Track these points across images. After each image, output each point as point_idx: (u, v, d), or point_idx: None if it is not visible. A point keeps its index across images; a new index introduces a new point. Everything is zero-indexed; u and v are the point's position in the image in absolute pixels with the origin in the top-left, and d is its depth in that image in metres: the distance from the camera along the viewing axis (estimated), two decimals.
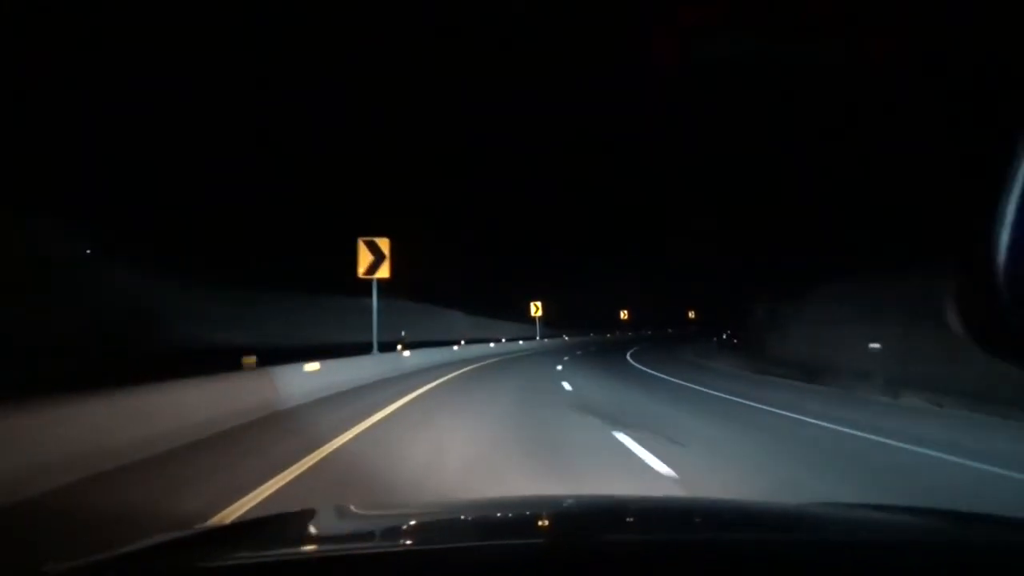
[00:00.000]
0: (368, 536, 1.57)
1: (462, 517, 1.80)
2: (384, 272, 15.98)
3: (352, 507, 1.93)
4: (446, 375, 16.02)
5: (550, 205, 66.08)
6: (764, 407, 9.73)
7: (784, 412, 9.21)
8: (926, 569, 1.08)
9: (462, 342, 21.71)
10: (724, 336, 54.67)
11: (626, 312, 60.53)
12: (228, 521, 3.50)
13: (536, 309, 35.53)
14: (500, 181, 56.23)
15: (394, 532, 1.56)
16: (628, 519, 1.73)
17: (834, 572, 1.08)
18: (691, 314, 77.93)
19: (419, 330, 40.43)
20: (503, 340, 29.62)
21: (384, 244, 15.82)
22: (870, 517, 1.67)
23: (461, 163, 54.13)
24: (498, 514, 1.84)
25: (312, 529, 1.54)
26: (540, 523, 1.64)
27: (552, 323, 45.43)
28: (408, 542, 1.45)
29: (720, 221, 42.01)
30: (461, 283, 47.26)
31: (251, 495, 4.33)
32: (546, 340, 37.99)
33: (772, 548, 1.22)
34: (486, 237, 52.76)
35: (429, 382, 13.58)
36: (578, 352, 28.08)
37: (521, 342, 32.39)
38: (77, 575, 1.08)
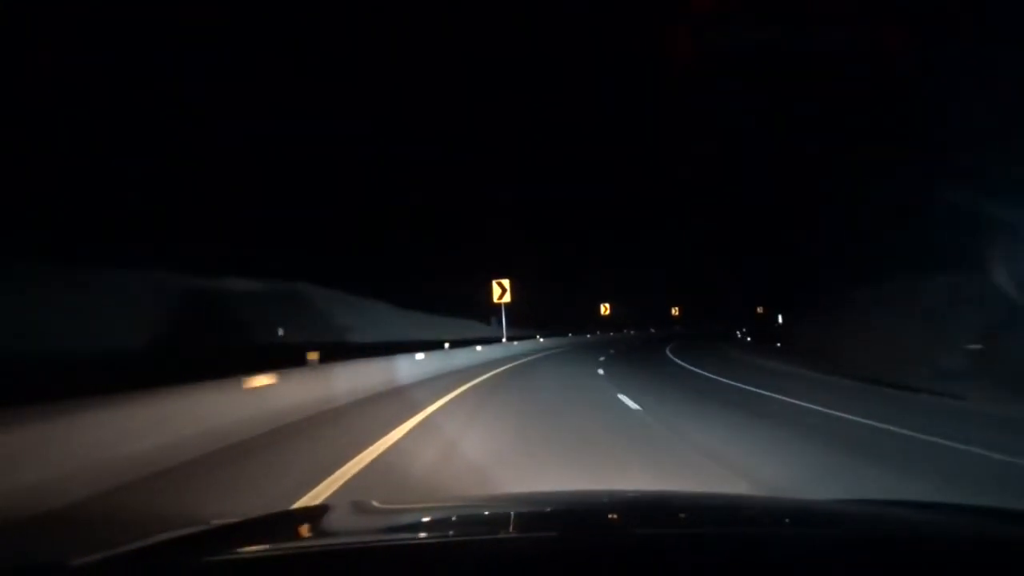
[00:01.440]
0: (384, 529, 1.50)
1: (480, 512, 1.77)
2: None
3: (374, 502, 1.81)
4: None
5: (518, 182, 53.68)
6: None
7: None
8: (956, 566, 1.04)
9: (313, 356, 8.21)
10: (740, 334, 46.45)
11: (607, 306, 48.03)
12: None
13: (501, 292, 22.06)
14: (465, 153, 43.91)
15: (410, 526, 1.53)
16: (650, 513, 1.63)
17: (860, 568, 1.03)
18: (675, 311, 67.61)
19: (321, 328, 27.21)
20: (445, 347, 16.10)
21: None
22: (901, 514, 1.60)
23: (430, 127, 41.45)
24: (516, 509, 1.77)
25: (328, 523, 1.50)
26: (558, 517, 1.56)
27: (517, 321, 32.79)
28: (423, 535, 1.41)
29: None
30: (393, 268, 35.14)
31: None
32: (516, 343, 24.67)
33: (792, 542, 1.18)
34: (429, 214, 40.15)
35: None
36: (600, 371, 15.12)
37: (479, 347, 18.90)
38: (100, 569, 1.06)
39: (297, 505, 3.73)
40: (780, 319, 58.95)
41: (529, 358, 21.58)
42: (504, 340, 23.26)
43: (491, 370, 15.22)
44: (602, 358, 20.57)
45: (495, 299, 22.06)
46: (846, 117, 18.90)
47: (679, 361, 19.62)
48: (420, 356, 12.36)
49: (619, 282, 57.06)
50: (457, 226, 42.31)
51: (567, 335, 37.91)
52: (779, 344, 30.57)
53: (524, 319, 37.30)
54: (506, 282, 22.05)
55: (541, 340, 30.20)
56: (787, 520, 1.50)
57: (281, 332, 24.24)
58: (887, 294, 16.91)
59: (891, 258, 17.32)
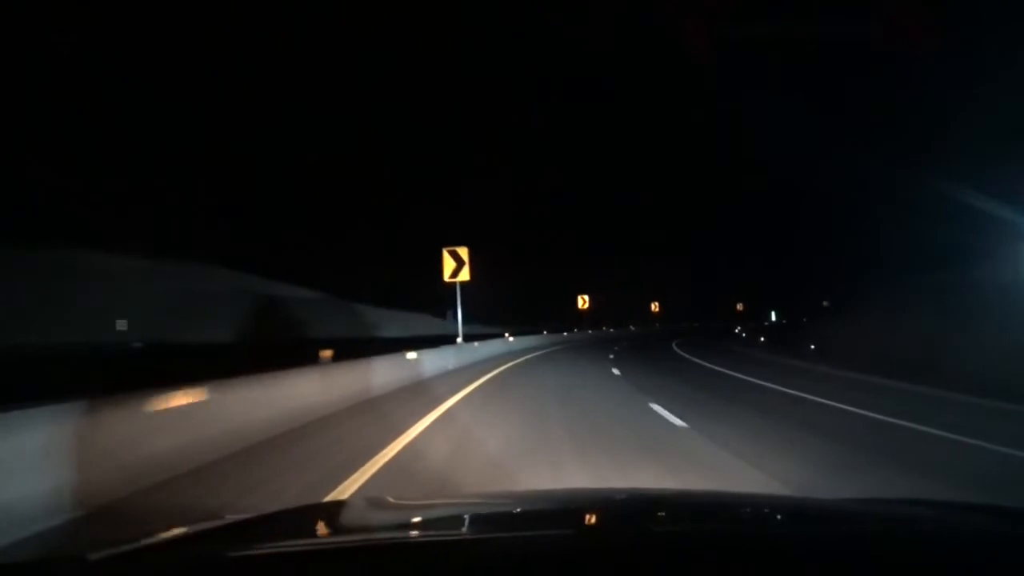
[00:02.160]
0: (398, 526, 1.49)
1: (493, 509, 1.74)
2: None
3: (390, 498, 1.78)
4: None
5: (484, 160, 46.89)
6: None
7: None
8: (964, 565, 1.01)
9: None
10: (744, 333, 42.09)
11: (585, 299, 40.99)
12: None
13: (456, 266, 14.34)
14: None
15: (424, 523, 1.51)
16: (669, 511, 1.58)
17: (868, 565, 1.01)
18: (655, 307, 61.67)
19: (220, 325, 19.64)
20: (325, 356, 8.36)
21: None
22: (911, 513, 1.58)
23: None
24: (530, 506, 1.72)
25: (343, 520, 1.49)
26: (573, 514, 1.52)
27: (479, 316, 25.54)
28: (436, 532, 1.39)
29: None
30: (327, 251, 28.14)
31: None
32: (477, 344, 17.03)
33: (807, 541, 1.15)
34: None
35: None
36: (670, 416, 7.37)
37: (411, 355, 11.17)
38: (116, 562, 1.05)
39: None
40: (773, 316, 54.24)
41: (502, 369, 14.02)
42: (460, 340, 15.57)
43: (395, 440, 7.40)
44: (616, 371, 13.11)
45: (447, 276, 14.37)
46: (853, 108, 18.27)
47: (746, 377, 12.37)
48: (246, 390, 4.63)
49: (596, 275, 50.62)
50: (407, 205, 35.22)
51: (542, 333, 30.54)
52: (813, 347, 24.42)
53: (487, 313, 29.95)
54: (464, 252, 14.38)
55: (511, 339, 22.67)
56: (806, 520, 1.48)
57: (122, 326, 16.06)
58: (916, 290, 15.21)
59: (904, 254, 16.68)
